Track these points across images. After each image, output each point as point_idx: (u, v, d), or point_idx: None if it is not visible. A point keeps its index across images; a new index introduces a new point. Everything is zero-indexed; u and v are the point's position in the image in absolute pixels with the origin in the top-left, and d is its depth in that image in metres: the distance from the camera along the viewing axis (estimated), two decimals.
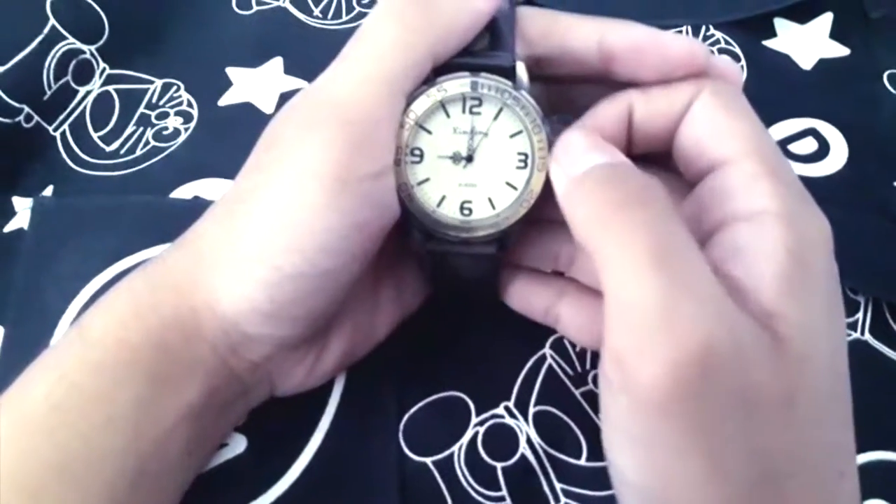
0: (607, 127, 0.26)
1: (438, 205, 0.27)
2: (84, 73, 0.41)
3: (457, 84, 0.26)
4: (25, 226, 0.36)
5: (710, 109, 0.25)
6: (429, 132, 0.26)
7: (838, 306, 0.23)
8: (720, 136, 0.24)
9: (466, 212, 0.27)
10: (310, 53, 0.42)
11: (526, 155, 0.26)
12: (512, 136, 0.26)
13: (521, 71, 0.26)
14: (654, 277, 0.20)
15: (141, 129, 0.40)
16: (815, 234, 0.22)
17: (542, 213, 0.27)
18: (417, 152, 0.27)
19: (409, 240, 0.28)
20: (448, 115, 0.26)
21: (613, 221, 0.22)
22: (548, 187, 0.26)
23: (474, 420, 0.31)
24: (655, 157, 0.27)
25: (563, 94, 0.30)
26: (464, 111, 0.26)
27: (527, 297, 0.31)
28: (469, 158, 0.27)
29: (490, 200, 0.27)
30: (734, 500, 0.21)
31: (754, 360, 0.20)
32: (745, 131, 0.24)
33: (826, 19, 0.43)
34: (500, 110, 0.26)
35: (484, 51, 0.27)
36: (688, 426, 0.20)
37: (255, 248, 0.25)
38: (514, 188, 0.27)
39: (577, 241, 0.23)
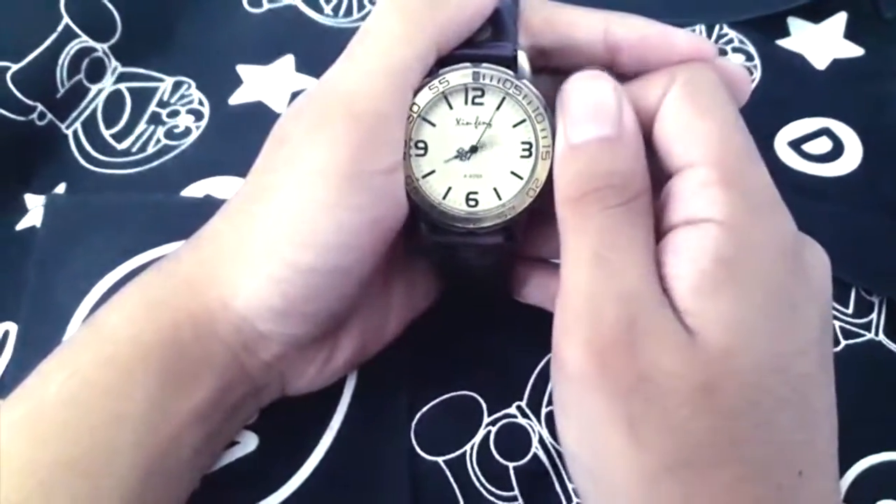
0: None
1: (444, 196, 0.27)
2: (96, 71, 0.41)
3: (458, 75, 0.26)
4: (38, 223, 0.37)
5: (676, 107, 0.24)
6: (432, 124, 0.26)
7: (802, 310, 0.23)
8: (683, 138, 0.24)
9: (472, 203, 0.27)
10: (321, 51, 0.42)
11: (530, 144, 0.26)
12: (515, 125, 0.26)
13: (523, 60, 0.26)
14: (588, 269, 0.23)
15: (152, 127, 0.40)
16: (761, 242, 0.23)
17: (549, 204, 0.26)
18: (422, 145, 0.26)
19: (416, 233, 0.28)
20: (451, 107, 0.26)
21: (574, 213, 0.24)
22: (552, 176, 0.25)
23: (486, 420, 0.31)
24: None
25: None
26: (466, 102, 0.26)
27: (543, 288, 0.31)
28: (473, 149, 0.27)
29: (496, 190, 0.27)
30: (657, 471, 0.22)
31: (660, 347, 0.22)
32: (707, 133, 0.24)
33: (840, 19, 0.43)
34: (503, 100, 0.26)
35: (486, 41, 0.27)
36: (603, 398, 0.22)
37: (268, 245, 0.25)
38: (520, 177, 0.27)
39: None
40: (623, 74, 0.27)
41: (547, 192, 0.26)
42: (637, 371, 0.22)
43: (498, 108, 0.26)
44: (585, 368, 0.22)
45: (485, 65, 0.26)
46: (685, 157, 0.24)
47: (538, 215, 0.27)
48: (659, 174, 0.25)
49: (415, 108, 0.26)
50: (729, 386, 0.22)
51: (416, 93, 0.26)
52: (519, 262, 0.31)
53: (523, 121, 0.26)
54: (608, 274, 0.23)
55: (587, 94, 0.25)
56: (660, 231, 0.24)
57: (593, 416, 0.22)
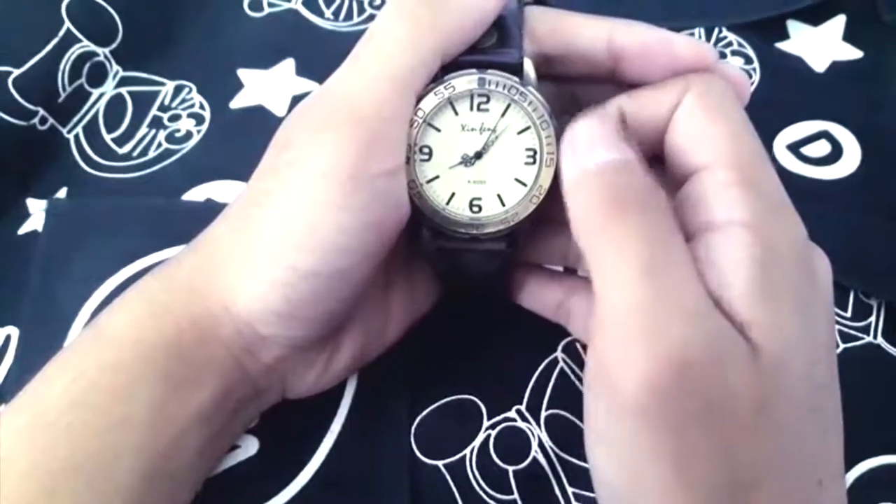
0: None
1: (448, 202, 0.27)
2: (98, 76, 0.41)
3: (464, 81, 0.26)
4: (39, 228, 0.37)
5: (691, 113, 0.25)
6: (437, 130, 0.26)
7: (816, 316, 0.23)
8: (698, 142, 0.24)
9: (476, 209, 0.27)
10: (321, 55, 0.42)
11: (534, 151, 0.26)
12: (520, 132, 0.26)
13: (529, 67, 0.26)
14: (640, 286, 0.21)
15: (153, 131, 0.41)
16: (783, 244, 0.22)
17: (551, 211, 0.26)
18: (426, 150, 0.27)
19: (418, 238, 0.28)
20: (456, 113, 0.26)
21: (609, 224, 0.22)
22: (556, 183, 0.25)
23: (486, 423, 0.31)
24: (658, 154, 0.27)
25: (572, 93, 0.30)
26: (472, 108, 0.26)
27: (538, 294, 0.31)
28: (478, 155, 0.27)
29: (499, 197, 0.27)
30: None
31: (731, 368, 0.21)
32: (722, 136, 0.24)
33: (839, 22, 0.43)
34: (508, 106, 0.26)
35: (492, 48, 0.27)
36: (661, 431, 0.21)
37: (270, 248, 0.25)
38: (524, 184, 0.27)
39: (573, 236, 0.23)
40: (627, 81, 0.27)
41: (550, 199, 0.26)
42: (707, 399, 0.20)
43: (503, 114, 0.26)
44: (647, 397, 0.20)
45: (490, 71, 0.26)
46: (700, 160, 0.24)
47: (537, 222, 0.27)
48: (670, 183, 0.25)
49: (420, 114, 0.26)
50: (778, 402, 0.21)
51: (421, 98, 0.26)
52: (515, 267, 0.31)
53: (528, 128, 0.26)
54: (664, 288, 0.21)
55: (593, 129, 0.25)
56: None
57: (640, 448, 0.21)
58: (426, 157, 0.27)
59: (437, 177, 0.27)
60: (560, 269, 0.32)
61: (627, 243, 0.22)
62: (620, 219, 0.22)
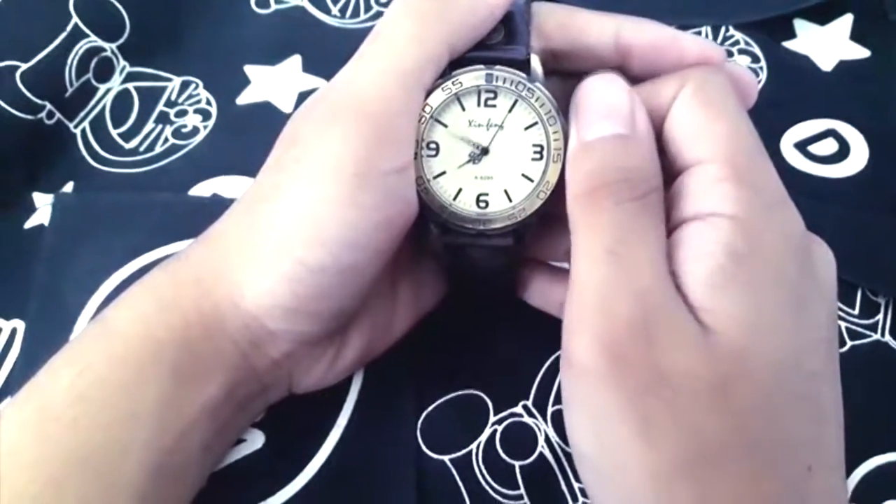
0: None
1: (455, 198, 0.27)
2: (105, 71, 0.42)
3: (471, 77, 0.26)
4: (46, 222, 0.37)
5: (687, 108, 0.25)
6: (444, 125, 0.26)
7: (810, 308, 0.23)
8: (694, 137, 0.24)
9: (483, 204, 0.27)
10: (328, 52, 0.42)
11: (541, 147, 0.26)
12: (527, 128, 0.26)
13: (536, 63, 0.26)
14: (601, 266, 0.23)
15: (160, 126, 0.41)
16: (773, 239, 0.23)
17: (558, 207, 0.27)
18: (433, 146, 0.27)
19: (425, 233, 0.28)
20: (463, 109, 0.26)
21: (587, 208, 0.24)
22: (563, 179, 0.25)
23: (492, 418, 0.31)
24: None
25: None
26: (479, 104, 0.26)
27: (544, 291, 0.31)
28: (485, 151, 0.27)
29: (506, 192, 0.27)
30: (670, 472, 0.22)
31: (676, 345, 0.22)
32: (718, 131, 0.24)
33: (846, 21, 0.43)
34: (515, 102, 0.26)
35: (499, 44, 0.27)
36: (617, 398, 0.22)
37: (278, 243, 0.25)
38: (531, 180, 0.27)
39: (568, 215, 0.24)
40: (634, 78, 0.27)
41: (557, 195, 0.26)
42: (652, 369, 0.22)
43: (510, 110, 0.26)
44: (598, 365, 0.22)
45: (498, 67, 0.26)
46: (696, 154, 0.24)
47: (544, 218, 0.27)
48: (667, 175, 0.25)
49: (427, 109, 0.26)
50: (743, 384, 0.22)
51: (428, 94, 0.26)
52: (521, 264, 0.31)
53: (535, 123, 0.26)
54: (622, 270, 0.23)
55: (601, 94, 0.25)
56: (668, 228, 0.24)
57: (605, 414, 0.22)
58: (433, 152, 0.27)
59: (443, 172, 0.27)
60: (567, 266, 0.32)
61: (598, 226, 0.23)
62: (596, 203, 0.23)
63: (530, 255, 0.30)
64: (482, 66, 0.26)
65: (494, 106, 0.26)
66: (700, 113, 0.24)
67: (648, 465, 0.22)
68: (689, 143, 0.24)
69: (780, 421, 0.22)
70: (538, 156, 0.27)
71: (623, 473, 0.22)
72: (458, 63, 0.26)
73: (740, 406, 0.22)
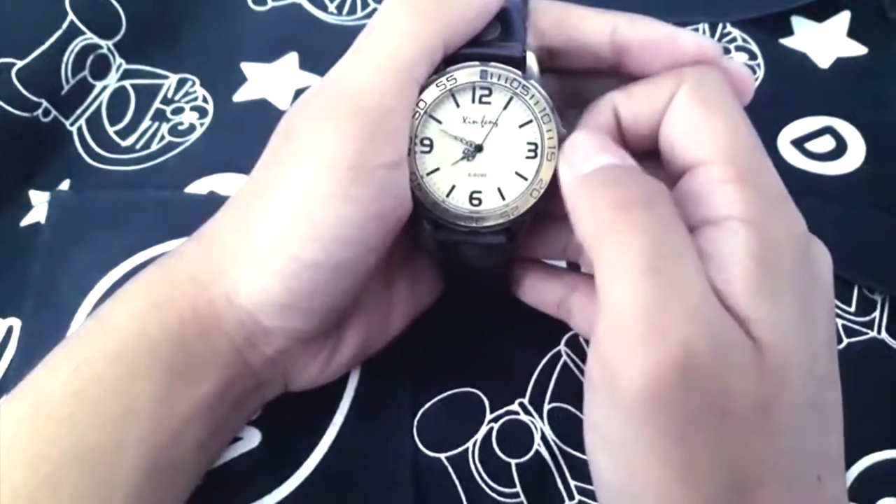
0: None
1: (448, 195, 0.27)
2: (101, 68, 0.41)
3: (466, 73, 0.26)
4: (42, 220, 0.37)
5: (685, 108, 0.24)
6: (438, 122, 0.26)
7: (816, 310, 0.23)
8: (693, 137, 0.24)
9: (476, 202, 0.27)
10: (325, 49, 0.42)
11: (535, 145, 0.26)
12: (521, 125, 0.26)
13: (532, 61, 0.26)
14: (644, 283, 0.21)
15: (156, 124, 0.41)
16: (782, 238, 0.22)
17: (551, 205, 0.26)
18: (427, 142, 0.27)
19: (419, 230, 0.28)
20: (458, 105, 0.26)
21: (612, 223, 0.22)
22: (557, 177, 0.25)
23: (489, 416, 0.31)
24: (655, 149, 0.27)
25: (575, 86, 0.30)
26: (473, 100, 0.26)
27: (539, 290, 0.31)
28: (479, 148, 0.27)
29: (499, 190, 0.27)
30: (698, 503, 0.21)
31: (736, 367, 0.20)
32: (718, 131, 0.24)
33: (843, 18, 0.43)
34: (510, 100, 0.26)
35: (495, 41, 0.27)
36: (664, 432, 0.20)
37: (273, 239, 0.25)
38: (524, 178, 0.27)
39: (578, 238, 0.23)
40: (630, 75, 0.27)
41: (551, 193, 0.26)
42: (711, 401, 0.20)
43: (505, 107, 0.26)
44: (649, 398, 0.20)
45: (493, 64, 0.26)
46: (696, 155, 0.24)
47: (537, 216, 0.27)
48: (665, 178, 0.24)
49: (421, 105, 0.26)
50: (782, 399, 0.21)
51: (423, 90, 0.26)
52: (514, 262, 0.31)
53: (530, 121, 0.26)
54: (667, 285, 0.21)
55: (590, 138, 0.25)
56: None
57: (642, 450, 0.21)
58: (427, 149, 0.27)
59: (437, 169, 0.27)
60: (562, 264, 0.32)
61: (630, 240, 0.21)
62: (622, 216, 0.22)
63: (524, 254, 0.30)
64: (477, 63, 0.26)
65: (489, 103, 0.26)
66: (698, 113, 0.24)
67: (680, 500, 0.21)
68: (688, 144, 0.24)
69: (800, 433, 0.21)
70: (532, 154, 0.26)
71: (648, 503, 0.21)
72: (453, 59, 0.26)
73: (779, 423, 0.21)
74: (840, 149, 0.38)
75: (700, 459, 0.20)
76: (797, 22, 0.43)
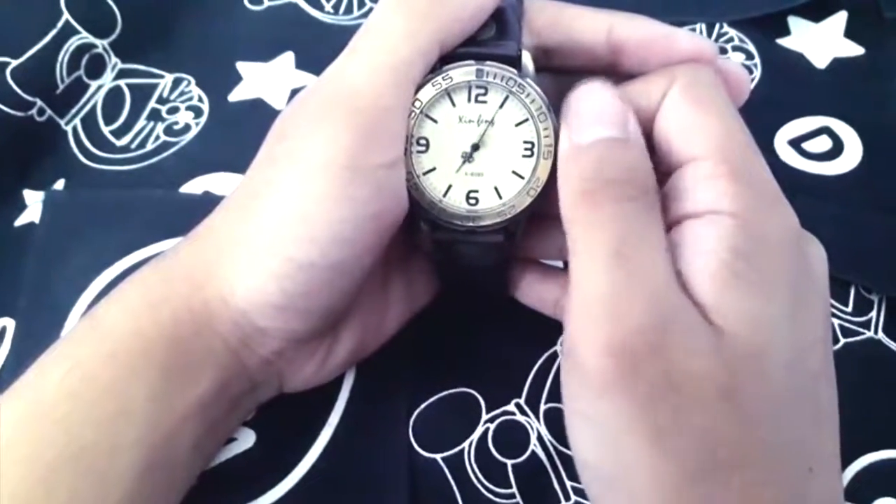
0: None
1: (444, 194, 0.27)
2: (96, 68, 0.41)
3: (462, 72, 0.26)
4: (36, 219, 0.36)
5: (678, 104, 0.24)
6: (434, 121, 0.26)
7: (808, 306, 0.23)
8: (685, 133, 0.24)
9: (473, 201, 0.27)
10: (321, 49, 0.42)
11: (532, 143, 0.26)
12: (517, 124, 0.26)
13: (527, 60, 0.26)
14: (606, 269, 0.22)
15: (152, 123, 0.40)
16: (773, 235, 0.22)
17: (549, 205, 0.26)
18: (423, 142, 0.26)
19: (415, 231, 0.28)
20: (454, 104, 0.26)
21: (587, 210, 0.23)
22: (554, 176, 0.25)
23: (485, 417, 0.31)
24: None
25: (571, 85, 0.30)
26: (469, 100, 0.26)
27: (536, 290, 0.31)
28: (475, 147, 0.27)
29: (496, 189, 0.27)
30: (679, 480, 0.21)
31: (690, 349, 0.21)
32: (710, 128, 0.24)
33: (840, 18, 0.43)
34: (506, 98, 0.26)
35: (490, 40, 0.27)
36: (628, 406, 0.21)
37: (268, 239, 0.25)
38: (521, 177, 0.27)
39: (562, 217, 0.24)
40: (625, 74, 0.27)
41: (548, 192, 0.26)
42: (665, 375, 0.21)
43: (501, 106, 0.26)
44: (608, 373, 0.21)
45: (488, 63, 0.26)
46: (688, 151, 0.24)
47: (534, 216, 0.27)
48: (658, 174, 0.24)
49: (417, 104, 0.26)
50: (754, 386, 0.21)
51: (419, 89, 0.26)
52: (512, 262, 0.31)
53: (526, 120, 0.26)
54: (631, 272, 0.22)
55: (594, 100, 0.25)
56: (664, 227, 0.24)
57: (613, 423, 0.22)
58: (423, 148, 0.26)
59: (433, 169, 0.27)
60: (559, 264, 0.32)
61: (600, 227, 0.22)
62: (596, 202, 0.23)
63: (522, 254, 0.30)
64: (472, 62, 0.26)
65: (485, 102, 0.26)
66: (690, 109, 0.24)
67: (657, 473, 0.21)
68: (680, 140, 0.24)
69: (786, 423, 0.22)
70: (529, 152, 0.26)
71: (629, 481, 0.22)
72: (448, 59, 0.26)
73: (750, 409, 0.21)
74: (837, 149, 0.38)
75: (671, 431, 0.21)
76: (794, 22, 0.43)
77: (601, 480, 0.23)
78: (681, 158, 0.24)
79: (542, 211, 0.27)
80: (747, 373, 0.21)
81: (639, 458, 0.21)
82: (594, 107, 0.25)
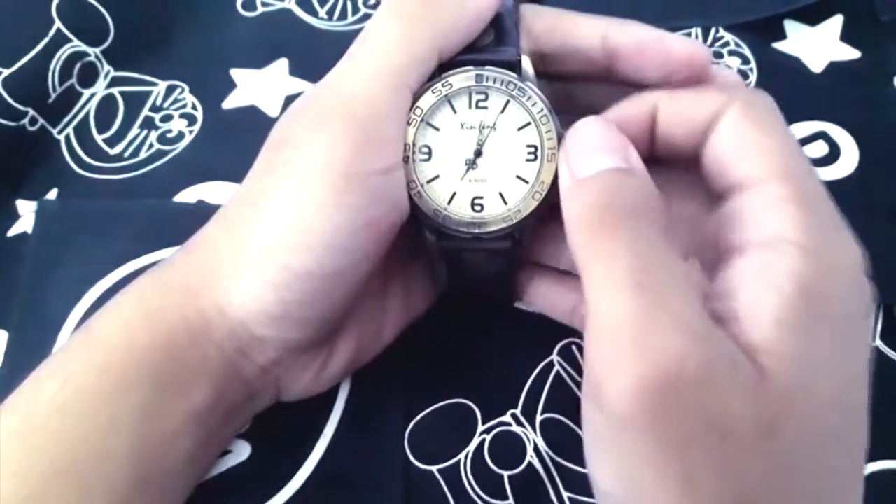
0: (628, 124, 0.25)
1: (449, 202, 0.27)
2: (89, 76, 0.41)
3: (462, 78, 0.26)
4: (29, 229, 0.36)
5: (738, 124, 0.24)
6: (436, 129, 0.26)
7: (854, 339, 0.22)
8: (747, 155, 0.23)
9: (478, 208, 0.27)
10: (315, 55, 0.42)
11: (535, 147, 0.26)
12: (520, 128, 0.26)
13: (527, 64, 0.26)
14: (630, 297, 0.21)
15: (145, 131, 0.40)
16: (838, 267, 0.21)
17: (554, 207, 0.26)
18: (426, 149, 0.26)
19: (420, 239, 0.28)
20: (455, 111, 0.26)
21: (600, 237, 0.22)
22: (558, 178, 0.25)
23: (481, 428, 0.31)
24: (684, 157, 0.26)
25: (567, 91, 0.30)
26: (470, 105, 0.26)
27: (550, 297, 0.30)
28: (478, 153, 0.26)
29: (501, 195, 0.27)
30: None
31: (727, 387, 0.20)
32: (774, 150, 0.23)
33: (836, 21, 0.43)
34: (507, 103, 0.26)
35: (489, 47, 0.27)
36: (658, 443, 0.20)
37: (265, 249, 0.25)
38: (525, 181, 0.26)
39: (568, 243, 0.23)
40: (622, 80, 0.27)
41: (553, 195, 0.26)
42: (701, 416, 0.20)
43: (502, 110, 0.26)
44: (636, 409, 0.20)
45: (488, 67, 0.26)
46: (749, 172, 0.23)
47: (543, 219, 0.27)
48: (710, 194, 0.24)
49: (418, 112, 0.26)
50: (790, 425, 0.20)
51: (419, 97, 0.26)
52: (522, 267, 0.31)
53: (528, 124, 0.26)
54: (653, 300, 0.21)
55: (591, 133, 0.24)
56: (721, 253, 0.23)
57: (641, 463, 0.20)
58: (426, 156, 0.26)
59: (437, 176, 0.27)
60: (572, 270, 0.31)
61: (619, 255, 0.21)
62: (612, 230, 0.22)
63: (532, 259, 0.30)
64: (472, 67, 0.26)
65: (486, 107, 0.26)
66: (753, 130, 0.23)
67: None
68: (741, 161, 0.23)
69: (821, 461, 0.21)
70: (532, 156, 0.26)
71: None
72: (448, 66, 0.26)
73: (785, 448, 0.20)
74: (833, 154, 0.38)
75: (702, 473, 0.20)
76: (790, 26, 0.43)
77: None
78: (738, 179, 0.23)
79: (551, 214, 0.27)
80: (786, 412, 0.20)
81: (667, 497, 0.20)
82: (593, 140, 0.24)
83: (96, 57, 0.41)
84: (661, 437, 0.20)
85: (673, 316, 0.20)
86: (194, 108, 0.41)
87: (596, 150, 0.24)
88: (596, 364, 0.21)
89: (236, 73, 0.42)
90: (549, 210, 0.26)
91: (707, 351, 0.20)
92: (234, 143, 0.39)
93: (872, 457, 0.30)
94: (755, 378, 0.20)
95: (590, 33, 0.27)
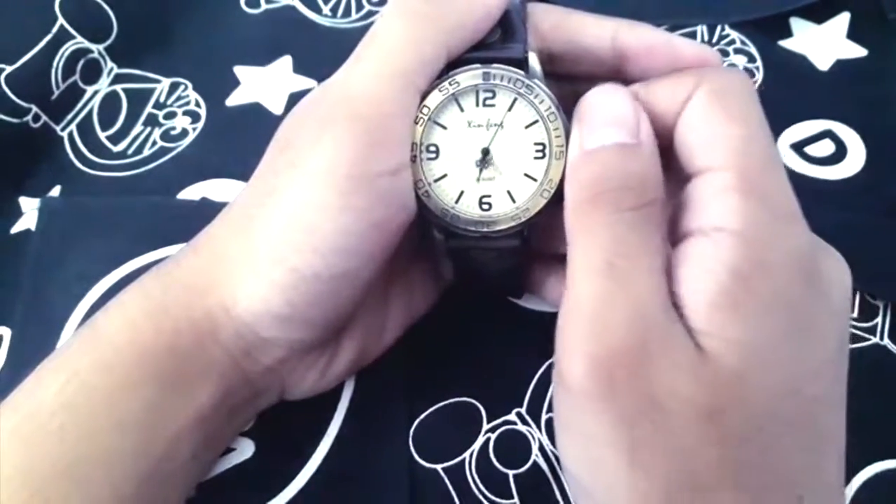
0: None
1: (457, 201, 0.27)
2: (92, 73, 0.41)
3: (468, 76, 0.26)
4: (32, 227, 0.36)
5: (701, 110, 0.24)
6: (443, 127, 0.26)
7: (811, 331, 0.22)
8: (706, 141, 0.23)
9: (486, 206, 0.27)
10: (319, 52, 0.42)
11: (543, 144, 0.26)
12: (527, 126, 0.26)
13: (534, 61, 0.26)
14: (598, 280, 0.22)
15: (148, 128, 0.40)
16: (778, 257, 0.22)
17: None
18: (433, 148, 0.26)
19: (428, 238, 0.28)
20: (462, 109, 0.26)
21: (585, 217, 0.23)
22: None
23: (485, 426, 0.31)
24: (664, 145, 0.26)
25: (574, 91, 0.29)
26: (477, 104, 0.26)
27: (558, 286, 0.30)
28: (485, 152, 0.26)
29: (509, 193, 0.26)
30: (654, 497, 0.21)
31: (670, 368, 0.21)
32: (731, 137, 0.23)
33: (843, 19, 0.43)
34: (514, 101, 0.26)
35: (496, 44, 0.27)
36: (611, 422, 0.21)
37: (272, 250, 0.25)
38: (534, 179, 0.26)
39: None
40: (631, 80, 0.27)
41: (562, 193, 0.26)
42: (645, 392, 0.21)
43: (510, 108, 0.26)
44: (589, 385, 0.21)
45: (495, 65, 0.26)
46: (706, 161, 0.23)
47: (558, 211, 0.27)
48: (677, 182, 0.24)
49: (425, 111, 0.26)
50: (737, 412, 0.21)
51: (426, 95, 0.26)
52: (536, 259, 0.30)
53: (536, 121, 0.26)
54: (619, 283, 0.22)
55: (607, 103, 0.24)
56: (673, 240, 0.23)
57: (594, 436, 0.22)
58: (433, 155, 0.26)
59: (444, 175, 0.26)
60: None
61: (598, 233, 0.22)
62: (596, 211, 0.23)
63: (543, 251, 0.30)
64: (479, 65, 0.26)
65: (493, 105, 0.26)
66: (714, 116, 0.23)
67: (636, 490, 0.21)
68: (700, 149, 0.23)
69: (773, 451, 0.21)
70: (540, 154, 0.26)
71: (611, 496, 0.22)
72: (455, 64, 0.26)
73: (732, 435, 0.21)
74: (840, 153, 0.38)
75: (647, 450, 0.21)
76: (796, 24, 0.43)
77: (584, 491, 0.23)
78: (698, 167, 0.23)
79: (563, 209, 0.27)
80: (730, 399, 0.21)
81: (617, 474, 0.21)
82: (606, 110, 0.24)
83: (99, 54, 0.41)
84: (612, 414, 0.21)
85: (632, 299, 0.21)
86: (198, 105, 0.41)
87: (605, 122, 0.24)
88: (559, 339, 0.23)
89: (240, 71, 0.42)
90: (557, 206, 0.26)
91: (654, 333, 0.21)
92: (237, 141, 0.39)
93: (882, 455, 0.29)
94: (697, 360, 0.21)
95: (598, 33, 0.27)
